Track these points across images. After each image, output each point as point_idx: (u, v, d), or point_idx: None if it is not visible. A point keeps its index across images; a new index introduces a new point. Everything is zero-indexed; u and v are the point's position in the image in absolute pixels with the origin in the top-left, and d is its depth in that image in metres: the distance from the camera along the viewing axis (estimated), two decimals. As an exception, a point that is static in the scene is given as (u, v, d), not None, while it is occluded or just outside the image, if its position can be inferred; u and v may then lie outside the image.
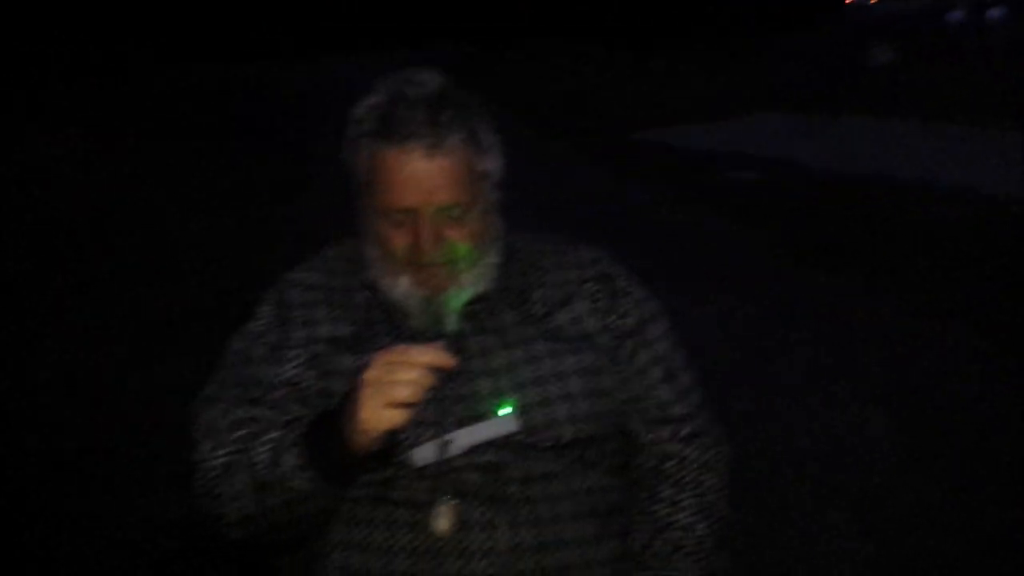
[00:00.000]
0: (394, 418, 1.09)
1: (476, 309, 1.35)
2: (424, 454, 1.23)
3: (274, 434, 1.24)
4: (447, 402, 1.25)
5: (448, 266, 1.30)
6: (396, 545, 1.24)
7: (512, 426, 1.23)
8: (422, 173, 1.25)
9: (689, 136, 11.50)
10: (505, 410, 1.24)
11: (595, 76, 18.11)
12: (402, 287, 1.32)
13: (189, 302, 5.10)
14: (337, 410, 1.16)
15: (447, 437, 1.22)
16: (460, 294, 1.31)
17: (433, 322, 1.31)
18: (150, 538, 2.91)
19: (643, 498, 1.38)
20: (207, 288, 5.35)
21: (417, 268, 1.30)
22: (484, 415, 1.25)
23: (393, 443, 1.17)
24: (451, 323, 1.29)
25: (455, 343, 1.27)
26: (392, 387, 1.08)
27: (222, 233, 6.75)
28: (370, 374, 1.09)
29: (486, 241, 1.35)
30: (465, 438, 1.22)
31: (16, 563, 2.77)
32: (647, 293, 1.46)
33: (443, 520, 1.22)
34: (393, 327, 1.34)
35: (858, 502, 3.12)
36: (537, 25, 26.27)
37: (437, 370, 1.10)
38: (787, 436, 3.60)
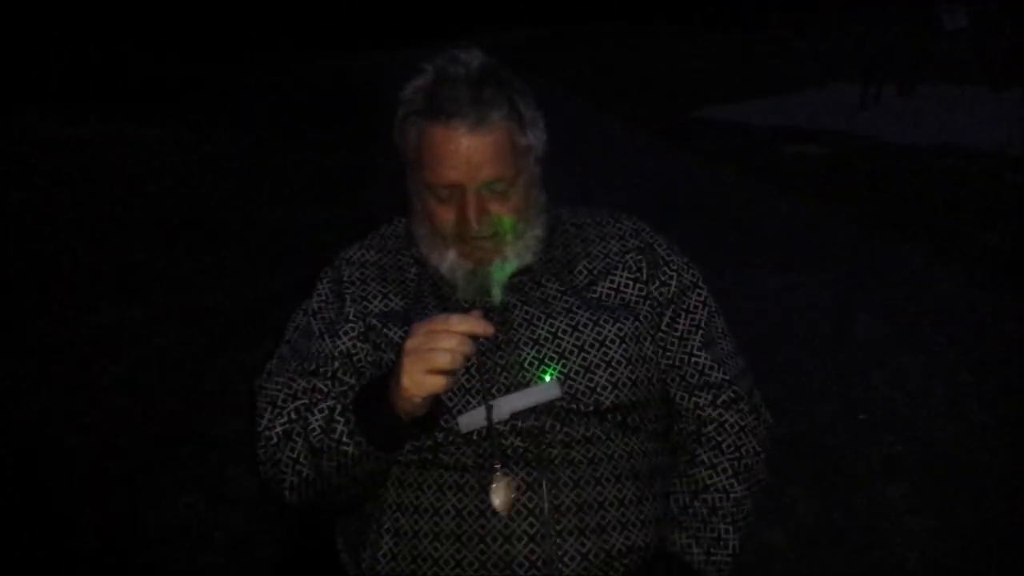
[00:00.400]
0: (435, 384, 1.15)
1: (521, 281, 1.41)
2: (470, 420, 1.29)
3: (328, 403, 1.32)
4: (493, 370, 1.31)
5: (493, 239, 1.36)
6: (444, 507, 1.31)
7: (555, 392, 1.29)
8: (466, 149, 1.31)
9: (755, 111, 11.29)
10: (548, 377, 1.30)
11: (659, 54, 17.90)
12: (449, 261, 1.38)
13: (266, 290, 5.25)
14: (383, 378, 1.24)
15: (492, 403, 1.28)
16: (505, 266, 1.37)
17: (479, 294, 1.37)
18: (233, 516, 3.05)
19: (683, 461, 1.43)
20: (283, 276, 5.50)
21: (463, 242, 1.37)
22: (528, 382, 1.31)
23: (437, 409, 1.24)
24: (496, 295, 1.35)
25: (500, 314, 1.34)
26: (432, 354, 1.13)
27: (295, 222, 6.92)
28: (411, 342, 1.15)
29: (530, 214, 1.40)
30: (510, 404, 1.28)
31: (99, 546, 2.89)
32: (687, 261, 1.50)
33: (499, 496, 1.27)
34: (441, 300, 1.41)
35: (919, 477, 3.09)
36: (599, 6, 26.06)
37: (477, 338, 1.16)
38: (850, 410, 3.58)
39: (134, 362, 4.33)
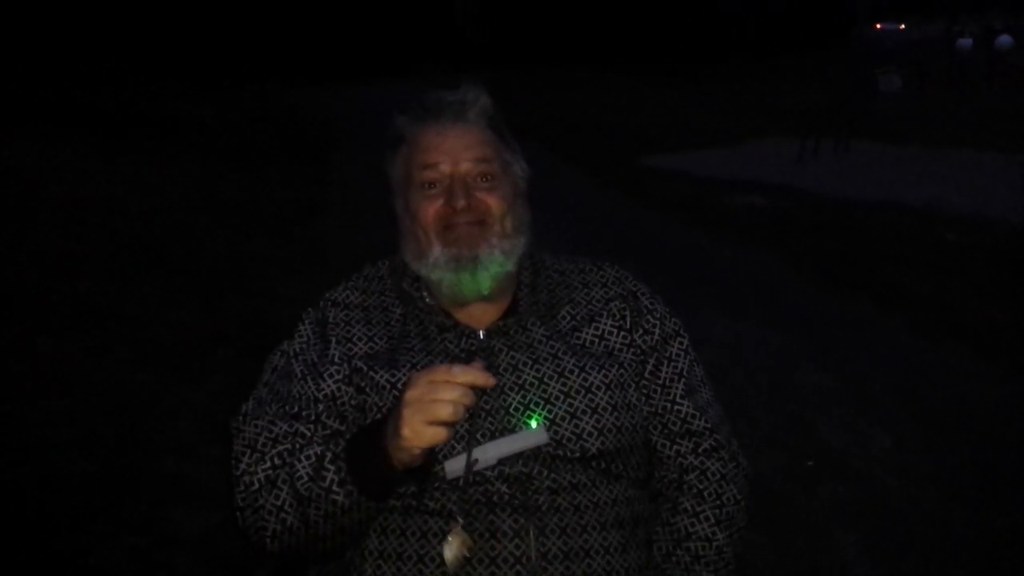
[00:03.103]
0: (435, 435, 1.14)
1: (507, 324, 1.41)
2: (456, 466, 1.27)
3: (315, 449, 1.29)
4: (478, 415, 1.31)
5: (479, 226, 1.38)
6: (428, 554, 1.29)
7: (542, 438, 1.28)
8: (451, 138, 1.39)
9: (699, 161, 11.59)
10: (534, 423, 1.30)
11: (607, 101, 18.25)
12: (435, 255, 1.39)
13: (212, 325, 5.17)
14: (378, 426, 1.23)
15: (479, 449, 1.27)
16: (492, 256, 1.38)
17: (467, 286, 1.38)
18: (179, 556, 2.96)
19: (665, 509, 1.44)
20: (221, 312, 5.43)
21: (450, 229, 1.38)
22: (514, 428, 1.31)
23: (431, 459, 1.23)
24: (484, 285, 1.37)
25: (485, 358, 1.35)
26: (433, 405, 1.13)
27: (243, 255, 6.84)
28: (412, 393, 1.15)
29: (516, 216, 1.43)
30: (495, 450, 1.27)
31: (38, 572, 2.82)
32: (669, 310, 1.53)
33: (450, 550, 1.26)
34: (427, 342, 1.41)
35: (865, 522, 3.16)
36: (547, 53, 26.50)
37: (478, 388, 1.16)
38: (797, 457, 3.65)
39: (75, 396, 4.20)
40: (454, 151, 1.39)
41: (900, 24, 28.91)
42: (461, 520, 1.27)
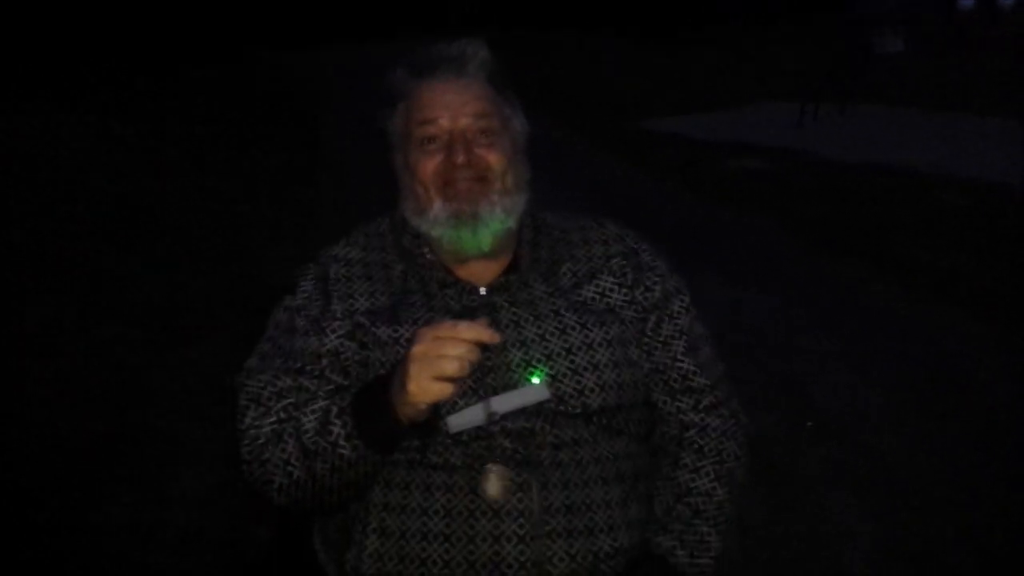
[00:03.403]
0: (441, 391, 1.15)
1: (508, 280, 1.41)
2: (459, 421, 1.28)
3: (320, 403, 1.30)
4: (481, 371, 1.31)
5: (480, 182, 1.37)
6: (432, 507, 1.31)
7: (543, 394, 1.29)
8: (450, 93, 1.38)
9: (697, 125, 11.53)
10: (536, 379, 1.30)
11: (604, 66, 18.11)
12: (435, 211, 1.38)
13: (206, 287, 5.17)
14: (383, 381, 1.23)
15: (482, 405, 1.28)
16: (493, 212, 1.37)
17: (468, 243, 1.38)
18: (179, 515, 2.99)
19: (666, 464, 1.45)
20: (219, 274, 5.43)
21: (450, 185, 1.37)
22: (516, 383, 1.31)
23: (435, 414, 1.24)
24: (485, 243, 1.37)
25: (489, 313, 1.35)
26: (439, 361, 1.14)
27: (238, 219, 6.83)
28: (418, 348, 1.15)
29: (516, 172, 1.42)
30: (498, 405, 1.27)
31: (42, 546, 2.83)
32: (670, 268, 1.53)
33: (493, 486, 1.29)
34: (428, 297, 1.40)
35: (861, 483, 3.19)
36: (544, 16, 26.24)
37: (483, 345, 1.17)
38: (791, 420, 3.67)
39: (72, 358, 4.21)
40: (453, 106, 1.37)
41: None
42: (495, 466, 1.30)
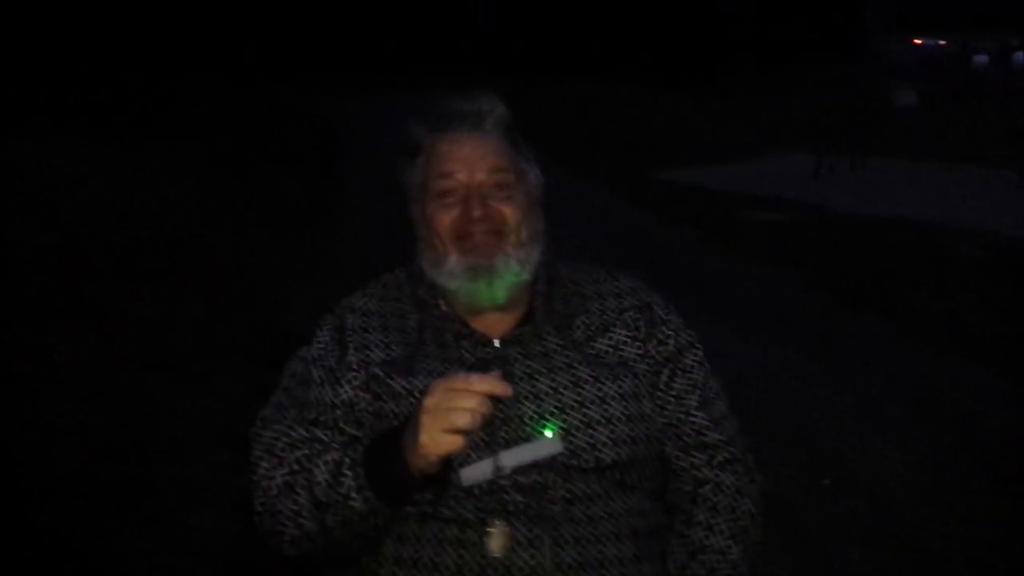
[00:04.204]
0: (452, 443, 1.15)
1: (522, 332, 1.42)
2: (471, 474, 1.27)
3: (333, 455, 1.30)
4: (493, 424, 1.30)
5: (495, 235, 1.39)
6: (443, 562, 1.30)
7: (556, 448, 1.28)
8: (467, 148, 1.40)
9: (713, 175, 11.59)
10: (549, 432, 1.29)
11: (621, 115, 18.26)
12: (451, 265, 1.39)
13: (224, 331, 5.19)
14: (396, 433, 1.23)
15: (494, 458, 1.26)
16: (508, 265, 1.38)
17: (482, 296, 1.39)
18: (195, 564, 2.97)
19: (679, 521, 1.43)
20: (234, 318, 5.45)
21: (465, 239, 1.39)
22: (529, 437, 1.31)
23: (447, 466, 1.23)
24: (499, 296, 1.38)
25: (502, 366, 1.35)
26: (451, 413, 1.14)
27: (257, 262, 6.87)
28: (430, 400, 1.15)
29: (531, 226, 1.43)
30: (511, 459, 1.26)
31: None
32: (683, 322, 1.53)
33: (495, 541, 1.28)
34: (443, 349, 1.41)
35: (877, 540, 3.14)
36: (561, 65, 26.56)
37: (494, 398, 1.17)
38: (807, 476, 3.63)
39: (85, 400, 4.21)
40: (470, 160, 1.40)
41: (940, 40, 28.46)
42: (499, 521, 1.29)
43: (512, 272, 1.39)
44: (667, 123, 16.77)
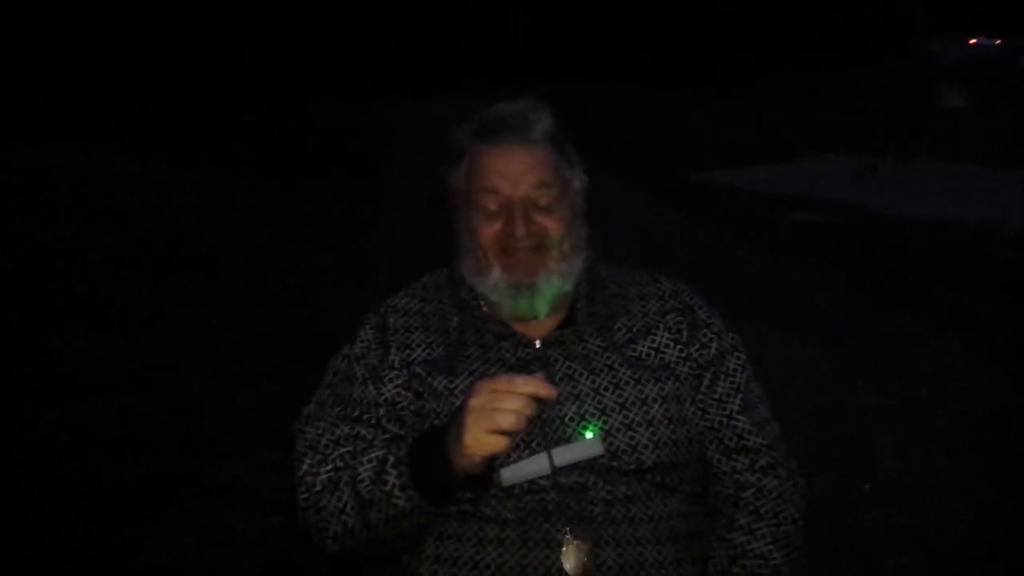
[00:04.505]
0: (496, 444, 1.15)
1: (563, 334, 1.42)
2: (512, 474, 1.29)
3: (376, 452, 1.31)
4: (535, 424, 1.30)
5: (538, 251, 1.39)
6: (483, 560, 1.31)
7: (597, 449, 1.29)
8: (512, 162, 1.39)
9: (754, 177, 11.46)
10: (590, 433, 1.30)
11: (660, 116, 18.16)
12: (493, 278, 1.40)
13: (264, 333, 5.25)
14: (440, 433, 1.24)
15: (535, 459, 1.28)
16: (550, 280, 1.39)
17: (524, 310, 1.40)
18: (217, 555, 3.02)
19: (720, 525, 1.42)
20: (277, 321, 5.52)
21: (508, 254, 1.39)
22: (570, 438, 1.31)
23: (491, 467, 1.24)
24: (541, 309, 1.39)
25: (544, 367, 1.35)
26: (495, 414, 1.14)
27: (293, 267, 6.95)
28: (475, 401, 1.16)
29: (574, 238, 1.43)
30: (552, 460, 1.27)
31: (93, 572, 2.87)
32: (725, 325, 1.52)
33: (570, 559, 1.25)
34: (484, 350, 1.42)
35: (921, 548, 3.09)
36: (598, 68, 26.45)
37: (539, 400, 1.17)
38: (850, 481, 3.58)
39: (133, 401, 4.30)
40: (515, 175, 1.39)
41: (996, 40, 27.88)
42: (568, 529, 1.27)
43: (554, 287, 1.40)
44: (704, 126, 16.61)
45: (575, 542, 1.25)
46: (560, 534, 1.29)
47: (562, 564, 1.25)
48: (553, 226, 1.40)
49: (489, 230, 1.40)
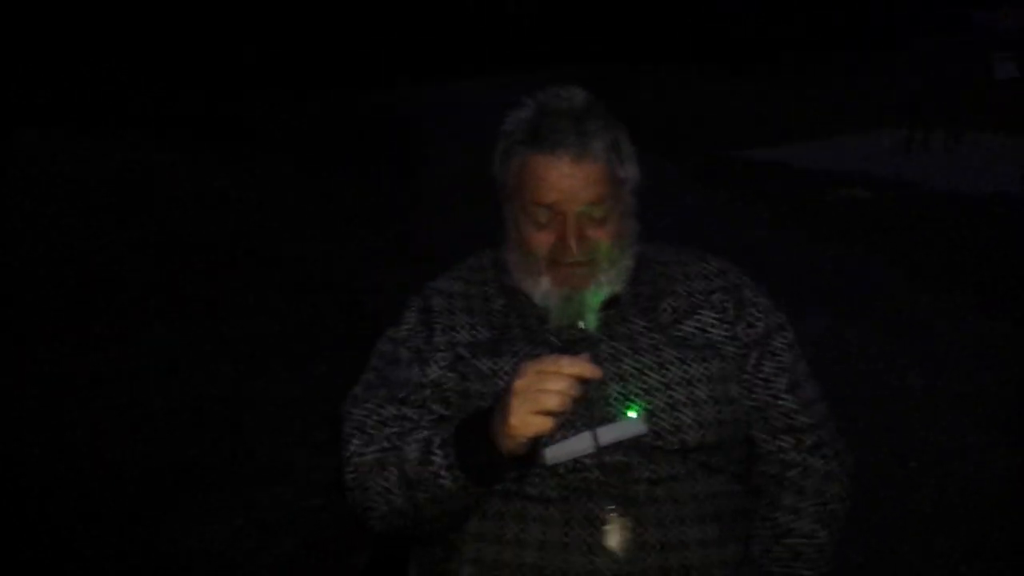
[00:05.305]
0: (541, 425, 1.16)
1: (608, 315, 1.41)
2: (556, 453, 1.30)
3: (423, 433, 1.33)
4: (580, 405, 1.30)
5: (588, 265, 1.38)
6: (527, 539, 1.32)
7: (640, 428, 1.29)
8: (569, 177, 1.35)
9: (804, 154, 11.24)
10: (634, 413, 1.30)
11: (703, 96, 17.92)
12: (543, 286, 1.40)
13: (305, 317, 5.33)
14: (486, 414, 1.24)
15: (579, 437, 1.29)
16: (598, 292, 1.38)
17: (572, 320, 1.39)
18: (260, 537, 3.07)
19: (765, 504, 1.42)
20: (322, 304, 5.58)
21: (558, 266, 1.38)
22: (614, 417, 1.32)
23: (536, 448, 1.25)
24: (591, 320, 1.37)
25: (586, 348, 1.35)
26: (541, 395, 1.14)
27: (337, 251, 7.02)
28: (520, 382, 1.16)
29: (625, 242, 1.42)
30: (596, 439, 1.28)
31: (145, 570, 2.93)
32: (772, 304, 1.51)
33: (614, 537, 1.27)
34: (528, 332, 1.42)
35: (967, 526, 3.06)
36: (634, 50, 26.12)
37: (585, 381, 1.17)
38: (896, 459, 3.54)
39: (182, 384, 4.39)
40: (572, 191, 1.35)
41: None
42: (613, 507, 1.29)
43: (601, 295, 1.39)
44: (748, 104, 16.34)
45: (620, 520, 1.26)
46: (604, 512, 1.30)
47: (606, 541, 1.26)
48: (605, 238, 1.38)
49: (540, 239, 1.38)
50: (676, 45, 25.52)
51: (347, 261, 6.66)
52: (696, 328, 1.44)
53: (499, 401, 1.21)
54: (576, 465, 1.31)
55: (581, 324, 1.39)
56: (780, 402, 1.43)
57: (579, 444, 1.28)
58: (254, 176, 10.20)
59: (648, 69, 22.12)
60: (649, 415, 1.33)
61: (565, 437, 1.30)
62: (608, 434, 1.29)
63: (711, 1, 27.45)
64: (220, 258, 6.62)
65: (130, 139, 11.55)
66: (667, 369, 1.37)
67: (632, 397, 1.34)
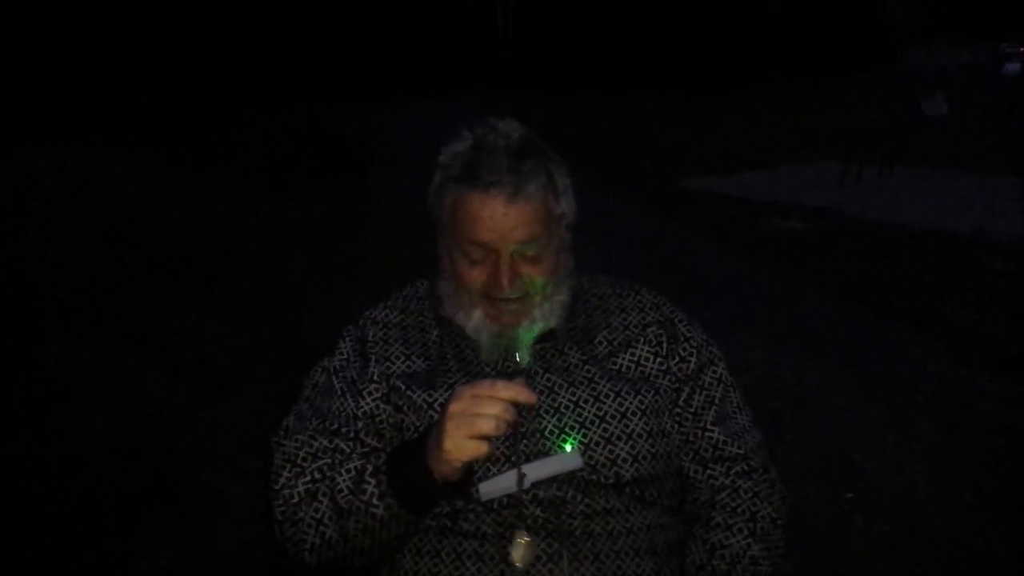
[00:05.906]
0: (476, 449, 1.15)
1: (543, 348, 1.42)
2: (491, 488, 1.29)
3: (355, 463, 1.31)
4: (514, 437, 1.31)
5: (522, 301, 1.38)
6: None
7: (576, 462, 1.29)
8: (503, 216, 1.34)
9: (737, 184, 11.50)
10: (569, 447, 1.30)
11: (642, 123, 18.20)
12: (475, 321, 1.39)
13: (252, 340, 5.23)
14: (419, 440, 1.23)
15: (513, 472, 1.28)
16: (531, 328, 1.38)
17: (504, 356, 1.39)
18: (208, 568, 3.00)
19: (698, 527, 1.42)
20: (269, 325, 5.49)
21: (491, 303, 1.38)
22: (549, 451, 1.31)
23: (469, 474, 1.24)
24: (523, 357, 1.36)
25: (523, 380, 1.35)
26: (476, 420, 1.14)
27: (284, 271, 6.93)
28: (455, 406, 1.16)
29: (559, 278, 1.42)
30: (531, 473, 1.28)
31: None
32: (706, 338, 1.52)
33: (519, 552, 1.27)
34: (464, 363, 1.42)
35: (902, 559, 3.10)
36: (585, 73, 26.50)
37: (519, 406, 1.17)
38: (832, 489, 3.59)
39: (114, 409, 4.26)
40: (505, 231, 1.34)
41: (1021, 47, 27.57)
42: (525, 533, 1.28)
43: (535, 330, 1.39)
44: (688, 132, 16.64)
45: (527, 539, 1.27)
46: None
47: (512, 559, 1.26)
48: (539, 274, 1.38)
49: (473, 275, 1.38)
50: (631, 71, 25.94)
51: (286, 283, 6.57)
52: (631, 361, 1.44)
53: (433, 426, 1.20)
54: (511, 500, 1.30)
55: (510, 364, 1.39)
56: (708, 434, 1.45)
57: (514, 478, 1.27)
58: (190, 191, 10.02)
59: (597, 95, 22.39)
60: (584, 448, 1.32)
61: (500, 471, 1.29)
62: (543, 468, 1.28)
63: (665, 30, 27.99)
64: (160, 277, 6.48)
65: (72, 148, 11.28)
66: (602, 402, 1.37)
67: (567, 430, 1.34)
